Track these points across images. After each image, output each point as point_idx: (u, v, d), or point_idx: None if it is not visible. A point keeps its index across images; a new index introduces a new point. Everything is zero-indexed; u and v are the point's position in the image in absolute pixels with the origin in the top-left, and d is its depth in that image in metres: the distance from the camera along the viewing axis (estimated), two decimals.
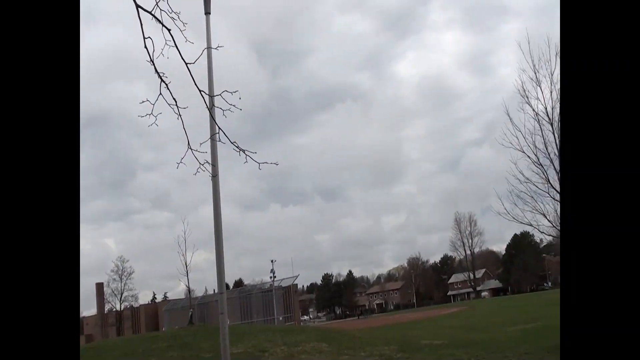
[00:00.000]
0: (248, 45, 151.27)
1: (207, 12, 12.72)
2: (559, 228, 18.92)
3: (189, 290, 46.53)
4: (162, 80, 4.93)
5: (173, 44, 4.82)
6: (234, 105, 5.54)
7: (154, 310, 58.49)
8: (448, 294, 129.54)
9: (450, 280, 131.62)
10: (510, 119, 18.79)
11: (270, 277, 47.38)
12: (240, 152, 5.72)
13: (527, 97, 18.57)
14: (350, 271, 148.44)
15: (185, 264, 35.76)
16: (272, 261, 50.50)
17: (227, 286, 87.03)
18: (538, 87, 18.32)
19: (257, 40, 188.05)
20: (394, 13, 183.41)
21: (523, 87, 18.54)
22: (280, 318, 38.78)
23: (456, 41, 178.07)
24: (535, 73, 18.39)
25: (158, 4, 4.62)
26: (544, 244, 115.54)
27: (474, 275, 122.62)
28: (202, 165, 5.54)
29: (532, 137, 18.33)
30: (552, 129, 18.33)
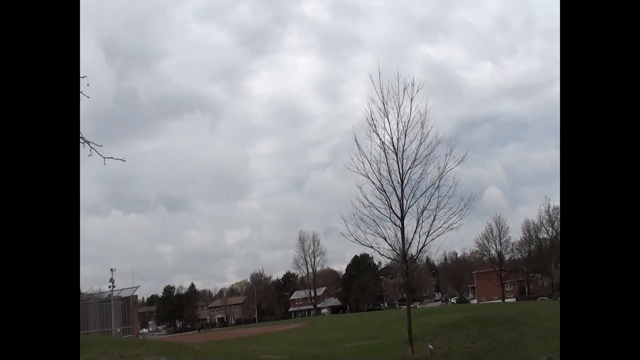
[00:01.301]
0: (95, 41, 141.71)
1: None
2: (397, 251, 20.19)
3: None
4: None
5: None
6: (82, 93, 5.34)
7: None
8: (289, 310, 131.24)
9: (292, 297, 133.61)
10: (358, 146, 19.77)
11: (109, 287, 45.00)
12: (85, 143, 5.46)
13: (375, 127, 19.69)
14: (192, 284, 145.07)
15: None
16: (111, 270, 47.80)
17: None
18: (386, 118, 19.53)
19: (106, 37, 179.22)
20: (251, 30, 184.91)
21: (372, 117, 19.64)
22: (118, 330, 37.01)
23: (310, 66, 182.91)
24: (383, 104, 19.57)
25: None
26: (382, 266, 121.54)
27: (315, 293, 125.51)
28: None
29: (377, 165, 19.47)
30: (397, 158, 19.62)
